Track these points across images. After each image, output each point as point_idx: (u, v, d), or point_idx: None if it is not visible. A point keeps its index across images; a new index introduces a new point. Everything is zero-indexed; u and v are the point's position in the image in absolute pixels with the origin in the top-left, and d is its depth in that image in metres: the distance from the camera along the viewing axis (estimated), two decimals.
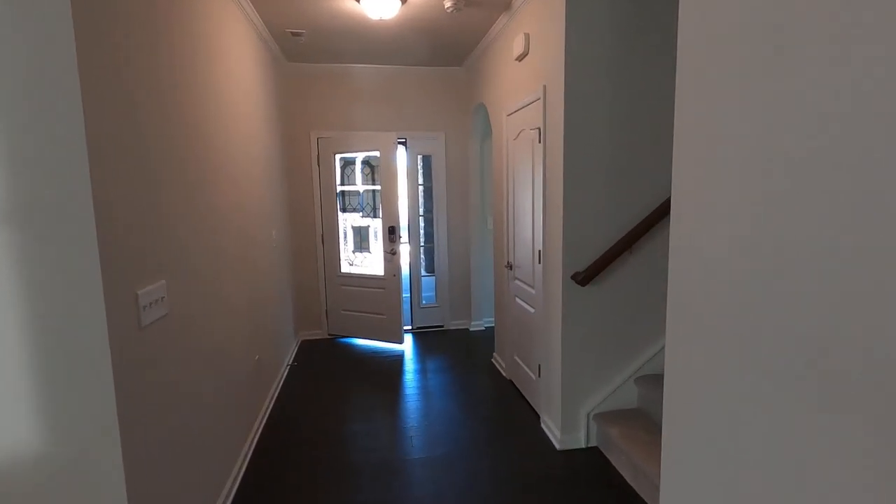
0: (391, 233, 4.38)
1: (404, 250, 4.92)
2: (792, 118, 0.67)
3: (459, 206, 4.93)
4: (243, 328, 2.68)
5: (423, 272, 5.05)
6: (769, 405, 0.73)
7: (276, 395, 3.44)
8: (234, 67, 2.74)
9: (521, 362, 3.38)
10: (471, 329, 5.02)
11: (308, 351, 4.47)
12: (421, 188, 5.01)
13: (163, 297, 1.66)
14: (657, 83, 2.51)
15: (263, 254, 3.28)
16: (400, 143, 4.79)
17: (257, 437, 2.85)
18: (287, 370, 3.93)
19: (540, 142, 2.79)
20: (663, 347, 2.75)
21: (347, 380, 3.78)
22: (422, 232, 5.06)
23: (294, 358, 4.24)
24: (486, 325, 5.07)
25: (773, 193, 0.71)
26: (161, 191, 1.68)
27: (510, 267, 3.49)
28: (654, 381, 2.63)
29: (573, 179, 2.52)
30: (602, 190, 2.55)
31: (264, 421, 3.03)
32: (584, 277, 2.50)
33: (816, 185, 0.64)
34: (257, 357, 2.97)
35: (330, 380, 3.78)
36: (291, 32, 3.56)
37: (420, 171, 5.01)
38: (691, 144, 0.92)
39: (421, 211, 5.00)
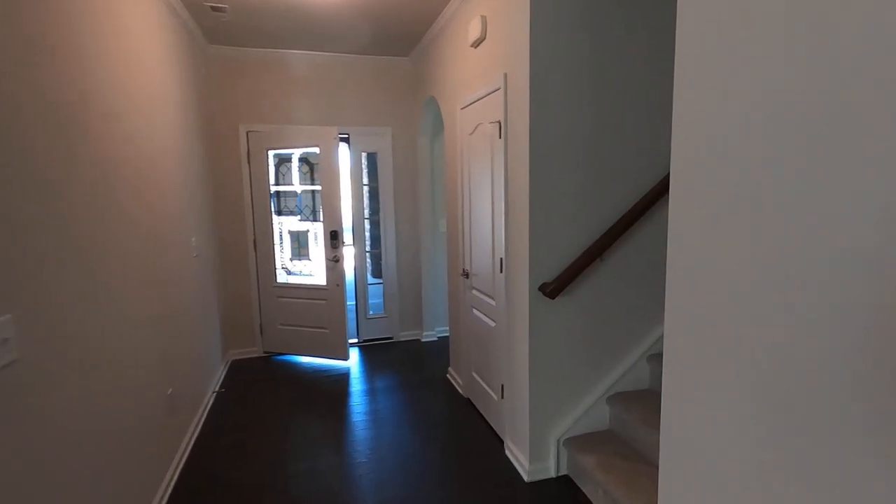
0: (333, 238, 3.95)
1: (349, 254, 4.50)
2: None
3: (409, 207, 4.57)
4: (147, 359, 2.19)
5: (369, 280, 4.65)
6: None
7: (195, 434, 2.92)
8: (136, 46, 2.24)
9: (480, 380, 3.07)
10: (423, 340, 4.68)
11: (239, 373, 3.95)
12: (366, 189, 4.60)
13: (6, 340, 1.20)
14: (638, 68, 2.28)
15: (180, 265, 2.77)
16: (342, 139, 4.36)
17: (166, 499, 2.35)
18: (212, 399, 3.41)
19: (500, 137, 2.49)
20: (636, 362, 2.55)
21: (284, 407, 3.32)
22: (368, 236, 4.65)
23: (221, 383, 3.71)
24: (440, 335, 4.75)
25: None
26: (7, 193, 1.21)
27: (466, 275, 3.18)
28: (626, 400, 2.40)
29: (540, 179, 2.24)
30: (573, 190, 2.29)
31: (176, 476, 2.52)
32: (554, 289, 2.23)
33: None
34: (170, 391, 2.47)
35: (263, 408, 3.30)
36: (211, 6, 3.06)
37: (365, 170, 4.61)
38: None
39: (367, 213, 4.59)
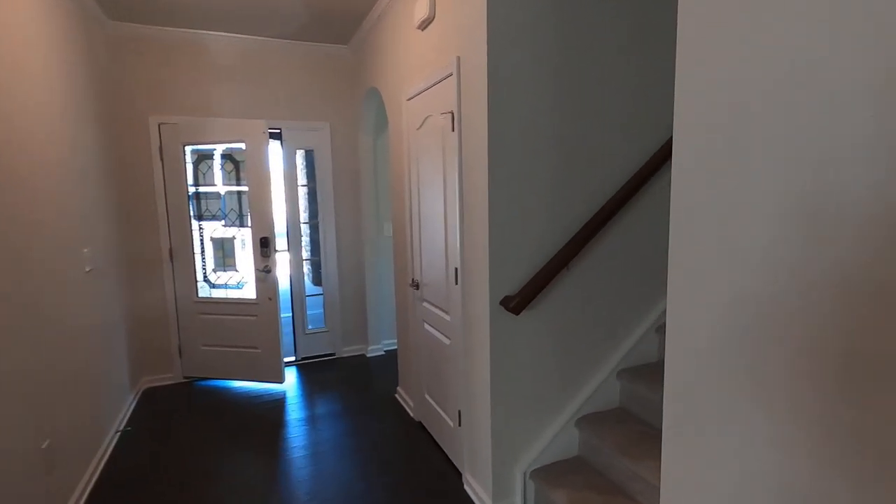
0: (264, 245, 3.49)
1: (284, 262, 4.04)
2: None
3: (351, 210, 4.18)
4: (6, 409, 1.69)
5: (308, 290, 4.20)
6: None
7: (87, 491, 2.40)
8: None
9: (434, 404, 2.75)
10: (368, 355, 4.29)
11: (153, 404, 3.39)
12: (303, 190, 4.16)
13: None
14: (612, 48, 2.05)
15: (60, 284, 2.24)
16: (273, 134, 3.90)
17: None
18: (115, 440, 2.86)
19: (453, 130, 2.19)
20: (606, 379, 2.32)
21: (206, 444, 2.83)
22: (307, 242, 4.21)
23: (128, 420, 3.15)
24: (387, 349, 4.38)
25: None
26: None
27: (416, 286, 2.85)
28: (596, 423, 2.17)
29: (501, 177, 1.95)
30: (539, 190, 2.03)
31: None
32: (518, 303, 1.95)
33: None
34: (46, 443, 1.96)
35: (180, 448, 2.80)
36: None
37: (302, 170, 4.17)
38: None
39: (303, 217, 4.15)
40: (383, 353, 4.34)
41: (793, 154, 0.79)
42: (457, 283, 2.29)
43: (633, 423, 2.16)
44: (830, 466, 0.77)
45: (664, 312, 2.33)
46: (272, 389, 3.63)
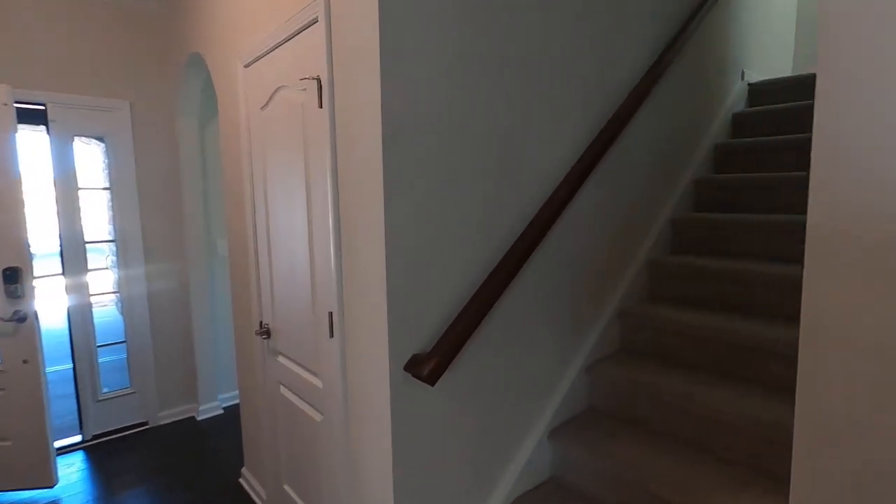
0: (10, 280, 2.25)
1: (58, 297, 2.77)
2: None
3: (167, 222, 3.06)
4: None
5: (98, 337, 2.95)
6: None
7: None
8: None
9: (298, 499, 1.93)
10: (200, 417, 3.19)
11: None
12: (86, 194, 2.91)
13: None
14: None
15: None
16: (28, 110, 2.63)
17: None
18: None
19: (321, 105, 1.45)
20: (536, 447, 1.77)
21: None
22: (107, 268, 2.96)
23: None
24: (228, 405, 3.34)
25: None
26: None
27: (266, 333, 2.00)
28: None
29: (405, 178, 1.27)
30: (464, 196, 1.39)
31: None
32: (434, 368, 1.28)
33: None
34: None
35: None
36: None
37: (91, 166, 2.92)
38: None
39: (91, 233, 2.90)
40: (222, 411, 3.28)
41: None
42: (332, 336, 1.54)
43: (572, 501, 1.65)
44: None
45: (596, 345, 1.89)
46: (38, 497, 2.38)
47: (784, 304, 1.79)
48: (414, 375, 1.30)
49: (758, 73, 2.94)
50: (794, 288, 1.76)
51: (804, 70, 3.34)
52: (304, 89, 1.53)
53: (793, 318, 1.76)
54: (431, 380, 1.28)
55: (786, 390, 1.59)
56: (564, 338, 1.79)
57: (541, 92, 1.58)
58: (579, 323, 1.84)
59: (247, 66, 1.93)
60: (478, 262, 1.46)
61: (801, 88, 2.68)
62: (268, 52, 1.75)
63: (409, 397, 1.34)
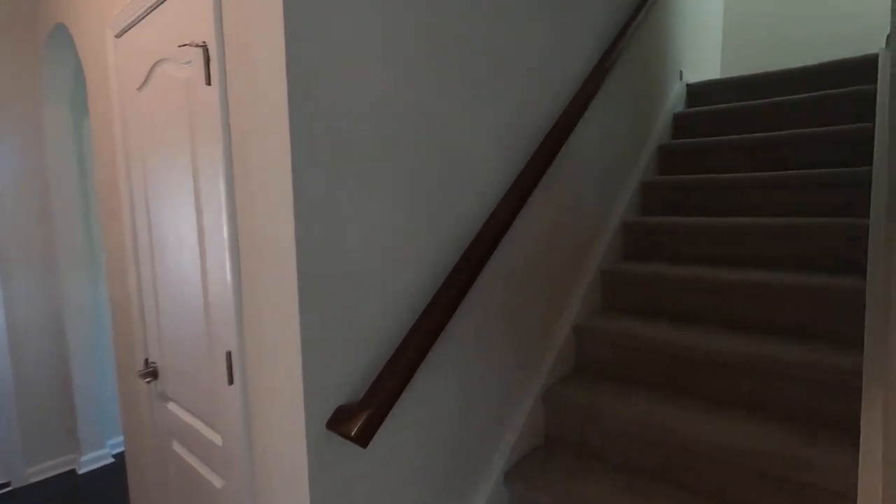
0: None
1: None
2: None
3: (33, 235, 2.50)
4: None
5: None
6: None
7: None
8: None
9: None
10: (82, 470, 2.63)
11: None
12: None
13: None
14: None
15: None
16: None
17: None
18: None
19: (209, 82, 1.11)
20: (491, 495, 1.49)
21: None
22: None
23: None
24: (119, 451, 2.79)
25: None
26: None
27: (153, 374, 1.59)
28: None
29: (319, 171, 0.96)
30: (393, 195, 1.10)
31: None
32: (366, 424, 0.98)
33: None
34: None
35: None
36: None
37: None
38: None
39: None
40: (112, 459, 2.74)
41: None
42: (231, 381, 1.19)
43: None
44: None
45: (553, 366, 1.68)
46: None
47: (752, 313, 1.67)
48: (340, 434, 0.99)
49: (693, 74, 2.91)
50: (752, 296, 1.65)
51: (732, 72, 3.39)
52: (190, 61, 1.18)
53: (757, 327, 1.65)
54: (363, 440, 0.97)
55: (760, 408, 1.45)
56: (518, 363, 1.55)
57: (494, 87, 1.33)
58: (531, 346, 1.61)
59: (118, 35, 1.52)
60: (417, 284, 1.18)
61: (740, 89, 2.66)
62: (142, 18, 1.37)
63: (335, 461, 1.03)
